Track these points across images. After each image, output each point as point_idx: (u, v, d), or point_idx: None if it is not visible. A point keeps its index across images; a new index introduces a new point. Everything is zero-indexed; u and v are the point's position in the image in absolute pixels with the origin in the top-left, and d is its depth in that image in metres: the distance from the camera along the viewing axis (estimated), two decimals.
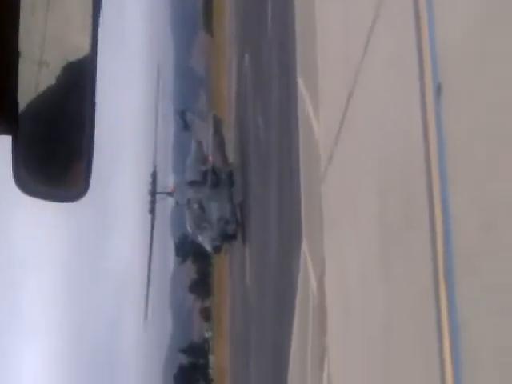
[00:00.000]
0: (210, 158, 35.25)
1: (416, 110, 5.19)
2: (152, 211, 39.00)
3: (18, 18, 1.25)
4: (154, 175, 38.64)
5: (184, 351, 67.02)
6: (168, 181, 40.94)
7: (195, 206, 34.11)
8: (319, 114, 10.10)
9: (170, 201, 38.01)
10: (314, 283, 10.47)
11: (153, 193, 38.65)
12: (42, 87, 1.26)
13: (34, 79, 1.25)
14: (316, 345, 10.07)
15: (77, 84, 1.27)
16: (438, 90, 4.78)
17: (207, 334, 65.85)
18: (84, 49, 1.26)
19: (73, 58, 1.26)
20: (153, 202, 38.81)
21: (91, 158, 1.30)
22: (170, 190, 37.17)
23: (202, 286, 66.75)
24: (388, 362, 5.71)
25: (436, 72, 4.82)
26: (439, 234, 4.55)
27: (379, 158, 6.29)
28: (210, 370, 60.85)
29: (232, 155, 37.22)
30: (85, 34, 1.27)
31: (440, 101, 4.73)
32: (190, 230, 35.97)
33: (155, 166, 39.00)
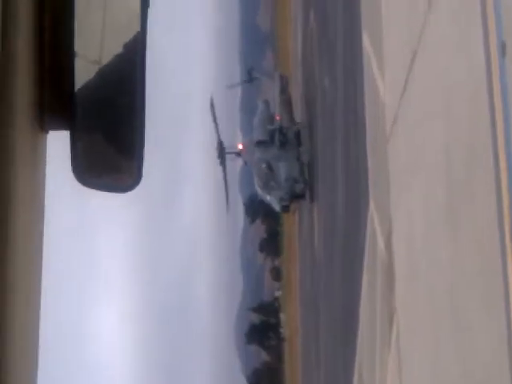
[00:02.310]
0: (278, 118, 35.13)
1: (481, 68, 5.15)
2: (222, 163, 39.01)
3: (73, 18, 1.34)
4: (220, 143, 38.60)
5: (255, 310, 67.59)
6: (236, 141, 41.02)
7: (263, 165, 34.12)
8: (384, 73, 10.04)
9: (239, 161, 38.10)
10: (381, 242, 10.47)
11: (222, 153, 38.70)
12: (95, 85, 1.35)
13: (88, 77, 1.34)
14: (385, 304, 10.10)
15: (127, 83, 1.35)
16: (503, 47, 4.73)
17: (277, 293, 66.25)
18: (134, 29, 1.34)
19: (125, 39, 1.33)
20: (223, 161, 38.85)
21: (142, 151, 1.38)
22: (238, 150, 37.23)
23: (271, 245, 67.04)
24: (455, 322, 5.73)
25: (500, 30, 4.77)
26: (504, 188, 4.54)
27: (444, 114, 6.25)
28: (282, 329, 61.33)
29: (299, 114, 37.10)
30: (134, 36, 1.35)
31: (505, 59, 4.68)
32: (258, 190, 36.06)
33: (218, 133, 38.94)
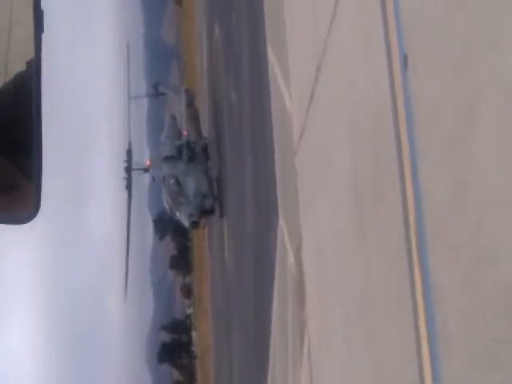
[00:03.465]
0: (185, 133, 35.06)
1: (384, 80, 5.15)
2: (128, 187, 38.79)
3: None
4: (129, 152, 38.37)
5: (166, 328, 67.11)
6: (143, 157, 40.72)
7: (171, 181, 33.97)
8: (290, 86, 10.03)
9: (147, 177, 37.83)
10: (291, 257, 10.45)
11: (128, 169, 38.43)
12: None
13: None
14: (296, 318, 10.08)
15: (23, 97, 1.25)
16: (405, 60, 4.75)
17: (189, 311, 65.94)
18: (27, 56, 1.25)
19: (19, 78, 1.25)
20: (129, 179, 38.61)
21: (40, 180, 1.25)
22: (145, 166, 36.96)
23: (181, 262, 66.75)
24: (366, 332, 5.71)
25: (402, 43, 4.79)
26: (410, 200, 4.55)
27: (350, 128, 6.25)
28: (194, 347, 61.02)
29: (206, 128, 37.07)
30: (28, 38, 1.26)
31: (407, 71, 4.69)
32: (167, 206, 35.85)
33: (130, 143, 38.72)
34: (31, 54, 1.27)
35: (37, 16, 1.28)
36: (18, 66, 1.29)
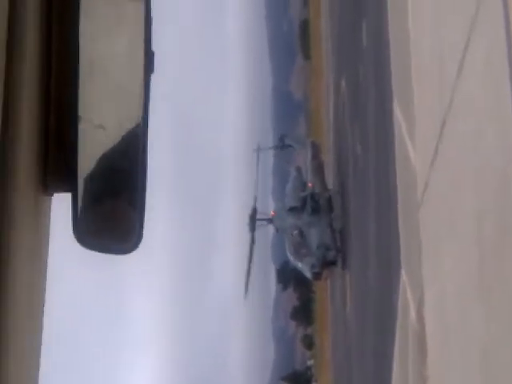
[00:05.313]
0: (310, 184, 35.24)
1: (510, 135, 5.12)
2: (252, 236, 39.07)
3: (78, 81, 1.36)
4: (254, 209, 38.66)
5: (286, 379, 66.82)
6: (268, 208, 41.09)
7: (295, 232, 34.11)
8: (415, 141, 10.02)
9: (271, 228, 38.13)
10: (413, 311, 10.34)
11: (253, 216, 38.66)
12: (99, 148, 1.38)
13: (92, 141, 1.37)
14: (416, 374, 9.92)
15: (130, 147, 1.38)
16: None
17: (309, 362, 65.52)
18: (136, 116, 1.38)
19: (127, 125, 1.37)
20: (252, 224, 38.81)
21: (143, 214, 1.40)
22: (269, 217, 37.27)
23: (303, 313, 66.55)
24: None
25: None
26: None
27: (475, 184, 6.21)
28: None
29: (331, 181, 37.17)
30: (137, 101, 1.38)
31: None
32: (290, 257, 35.98)
33: (255, 199, 39.03)
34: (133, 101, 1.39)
35: (147, 57, 1.40)
36: (117, 116, 1.41)
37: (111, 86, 1.37)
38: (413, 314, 10.33)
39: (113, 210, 1.38)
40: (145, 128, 1.38)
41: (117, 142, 1.36)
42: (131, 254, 1.45)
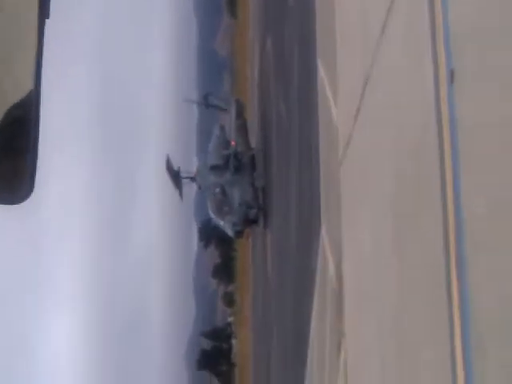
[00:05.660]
0: (233, 143, 35.21)
1: (430, 95, 5.18)
2: (180, 192, 38.46)
3: None
4: (168, 165, 38.20)
5: (207, 335, 67.24)
6: (191, 165, 40.90)
7: (217, 190, 34.13)
8: (338, 99, 10.08)
9: (194, 186, 38.01)
10: (332, 268, 10.47)
11: (174, 176, 38.29)
12: None
13: None
14: (334, 331, 10.08)
15: (23, 97, 1.35)
16: (451, 74, 4.76)
17: (230, 319, 66.04)
18: (26, 87, 1.35)
19: (15, 98, 1.35)
20: (179, 187, 38.34)
21: (34, 166, 1.38)
22: (192, 175, 37.13)
23: (224, 270, 66.89)
24: (400, 346, 5.72)
25: (449, 58, 4.81)
26: (451, 215, 4.55)
27: (395, 142, 6.28)
28: (233, 355, 61.05)
29: (254, 139, 37.20)
30: (27, 71, 1.35)
31: (453, 86, 4.71)
32: (212, 215, 36.01)
33: (168, 158, 38.49)
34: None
35: (42, 1, 1.36)
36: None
37: (3, 31, 1.33)
38: (332, 271, 10.47)
39: (3, 166, 1.35)
40: (38, 74, 1.34)
41: (7, 89, 1.32)
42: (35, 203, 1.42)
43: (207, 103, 41.06)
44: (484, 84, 4.22)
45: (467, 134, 4.48)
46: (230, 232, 35.71)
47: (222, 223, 35.51)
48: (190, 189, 39.41)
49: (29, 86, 1.37)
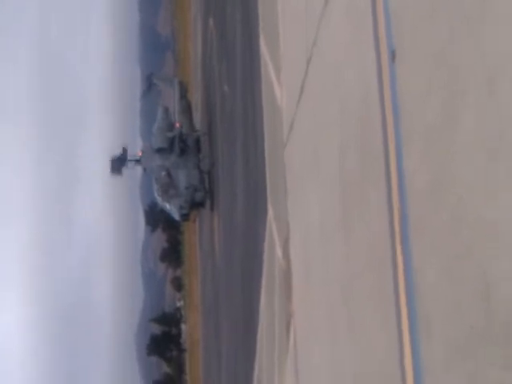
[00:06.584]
0: (177, 125, 34.95)
1: (372, 73, 5.17)
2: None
3: None
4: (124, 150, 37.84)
5: (156, 320, 67.04)
6: (136, 147, 40.52)
7: (163, 173, 33.90)
8: (281, 80, 10.03)
9: (139, 169, 37.68)
10: (279, 249, 10.47)
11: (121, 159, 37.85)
12: None
13: None
14: (282, 310, 10.09)
15: None
16: (393, 53, 4.76)
17: (179, 304, 65.90)
18: None
19: None
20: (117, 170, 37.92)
21: None
22: (137, 157, 36.75)
23: (172, 254, 66.67)
24: (349, 322, 5.73)
25: (390, 36, 4.81)
26: (394, 189, 4.56)
27: (338, 121, 6.27)
28: (183, 340, 61.01)
29: (199, 121, 37.00)
30: None
31: (394, 65, 4.71)
32: (158, 198, 35.76)
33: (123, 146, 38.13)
34: None
35: None
36: None
37: None
38: (279, 251, 10.47)
39: None
40: None
41: None
42: None
43: (150, 84, 40.67)
44: (419, 53, 4.23)
45: (408, 108, 4.48)
46: (176, 215, 35.50)
47: (168, 206, 35.28)
48: (135, 171, 39.05)
49: None
